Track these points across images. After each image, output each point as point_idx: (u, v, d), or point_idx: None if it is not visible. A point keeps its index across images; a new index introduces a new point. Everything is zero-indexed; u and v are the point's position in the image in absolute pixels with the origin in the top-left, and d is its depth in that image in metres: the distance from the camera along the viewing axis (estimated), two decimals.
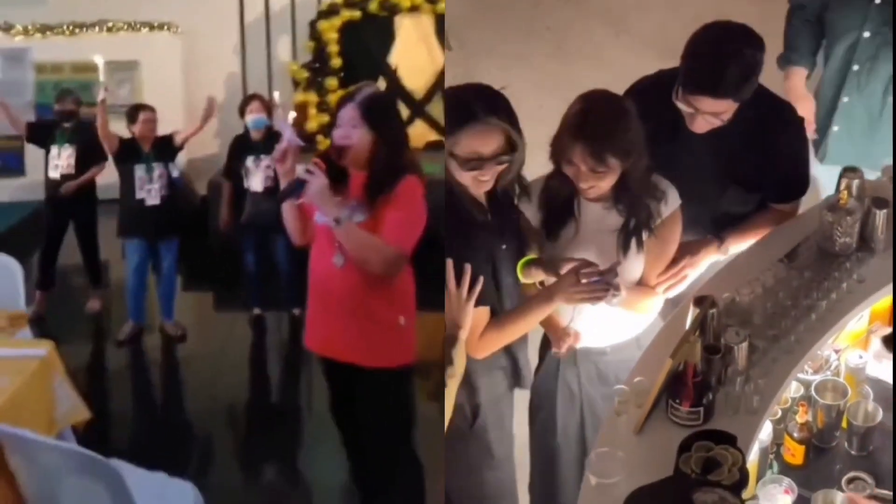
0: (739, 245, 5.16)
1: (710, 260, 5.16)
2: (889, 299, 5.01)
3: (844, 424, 4.91)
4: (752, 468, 4.46)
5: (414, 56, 14.83)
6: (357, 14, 14.65)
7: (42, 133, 10.82)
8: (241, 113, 10.57)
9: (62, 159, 10.64)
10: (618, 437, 4.44)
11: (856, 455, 4.86)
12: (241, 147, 10.33)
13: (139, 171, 10.08)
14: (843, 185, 4.89)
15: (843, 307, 4.73)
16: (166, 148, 10.33)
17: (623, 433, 4.45)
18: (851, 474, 4.72)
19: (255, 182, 10.13)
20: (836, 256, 4.86)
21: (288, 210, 5.69)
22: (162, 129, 10.40)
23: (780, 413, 4.85)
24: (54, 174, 10.62)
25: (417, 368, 7.39)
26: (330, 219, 5.35)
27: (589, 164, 4.70)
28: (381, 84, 14.20)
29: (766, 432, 4.70)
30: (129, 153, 10.11)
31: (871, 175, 5.36)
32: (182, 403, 9.29)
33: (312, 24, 14.75)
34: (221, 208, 10.78)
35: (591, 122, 4.69)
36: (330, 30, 14.58)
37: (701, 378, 4.39)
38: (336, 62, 14.65)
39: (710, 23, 4.92)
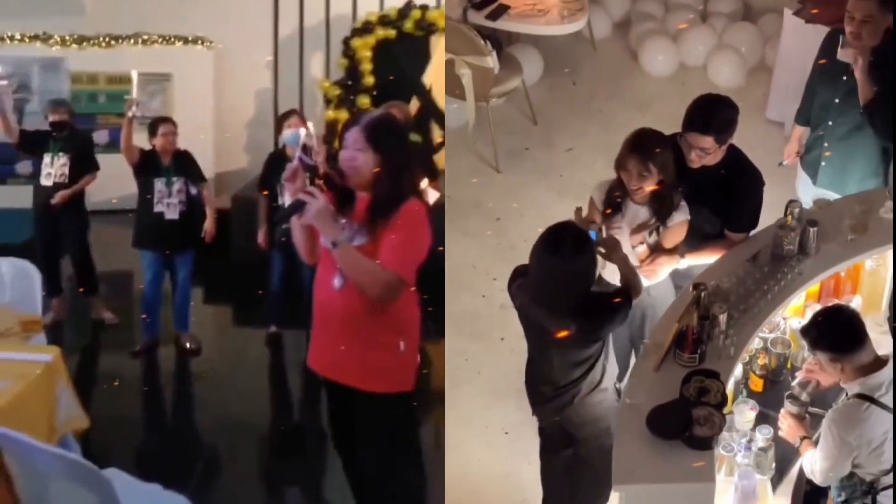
0: (695, 261, 5.35)
1: (671, 266, 5.32)
2: (818, 287, 5.48)
3: (789, 366, 5.34)
4: (729, 394, 4.75)
5: None
6: (392, 33, 11.81)
7: (34, 142, 8.84)
8: (279, 128, 8.47)
9: (55, 168, 8.69)
10: (643, 373, 4.74)
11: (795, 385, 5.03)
12: (277, 163, 7.99)
13: (159, 184, 8.14)
14: (787, 211, 5.22)
15: (788, 290, 5.10)
16: (187, 162, 8.33)
17: (647, 371, 4.74)
18: (796, 391, 4.89)
19: (288, 198, 7.04)
20: (784, 258, 5.22)
21: (297, 229, 4.65)
22: (191, 143, 8.64)
23: (747, 358, 5.19)
24: (47, 182, 8.68)
25: (438, 396, 6.77)
26: (327, 241, 4.37)
27: (638, 168, 5.09)
28: (415, 104, 11.06)
29: (738, 370, 5.05)
30: (149, 166, 8.19)
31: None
32: (192, 416, 7.58)
33: (346, 42, 11.92)
34: (259, 224, 8.39)
35: (642, 141, 5.12)
36: (364, 48, 11.79)
37: (697, 335, 4.74)
38: (369, 80, 11.79)
39: (707, 94, 5.29)
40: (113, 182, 8.77)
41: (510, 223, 7.22)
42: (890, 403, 4.32)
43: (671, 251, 5.31)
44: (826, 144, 5.93)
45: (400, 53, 11.71)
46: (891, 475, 4.43)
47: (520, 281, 4.84)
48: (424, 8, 11.75)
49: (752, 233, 5.43)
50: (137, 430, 7.08)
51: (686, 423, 4.36)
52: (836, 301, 5.54)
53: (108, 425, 6.35)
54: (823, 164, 5.98)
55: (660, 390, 4.61)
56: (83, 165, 8.69)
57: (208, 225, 8.28)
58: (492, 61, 7.50)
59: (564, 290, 4.57)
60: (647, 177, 5.13)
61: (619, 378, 5.30)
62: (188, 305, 8.43)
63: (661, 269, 5.33)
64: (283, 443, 6.95)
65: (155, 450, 6.74)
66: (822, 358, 4.46)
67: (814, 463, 4.53)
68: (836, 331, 4.41)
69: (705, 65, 8.52)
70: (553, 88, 8.47)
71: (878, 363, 4.39)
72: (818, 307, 5.35)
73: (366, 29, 11.72)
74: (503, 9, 7.70)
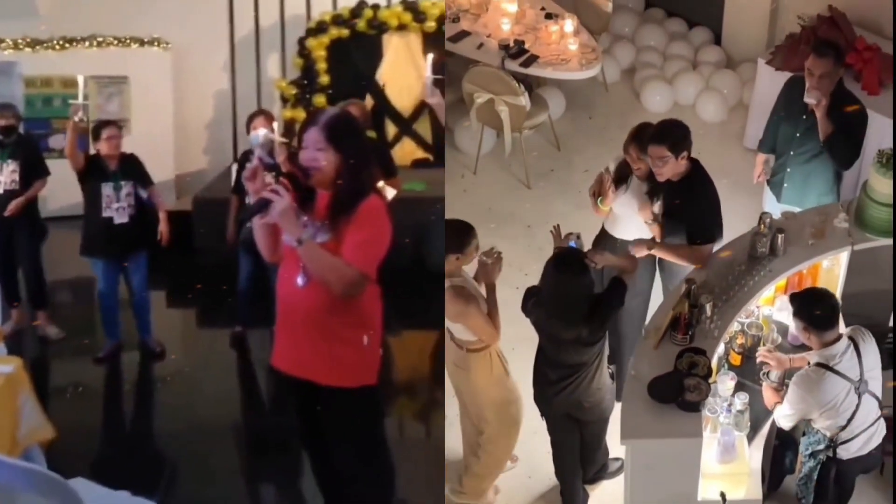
0: (660, 253, 5.34)
1: (645, 251, 5.24)
2: (784, 282, 5.44)
3: (761, 345, 5.29)
4: (714, 367, 4.82)
5: (402, 74, 10.34)
6: (345, 32, 10.19)
7: None
8: (248, 129, 7.08)
9: (5, 175, 7.05)
10: (646, 351, 4.87)
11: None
12: (246, 162, 6.44)
13: (106, 189, 6.74)
14: (760, 221, 5.28)
15: (760, 284, 5.17)
16: (133, 166, 6.92)
17: (648, 349, 4.88)
18: (766, 369, 5.05)
19: (252, 198, 5.20)
20: (757, 259, 5.26)
21: (259, 228, 3.97)
22: (150, 145, 7.42)
23: (728, 338, 5.20)
24: None
25: (404, 388, 6.52)
26: (292, 239, 3.77)
27: (637, 153, 5.22)
28: (369, 101, 9.98)
29: (721, 348, 5.09)
30: (95, 171, 6.78)
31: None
32: (159, 420, 6.47)
33: (301, 42, 10.21)
34: (228, 223, 7.17)
35: (640, 133, 5.22)
36: (319, 47, 10.13)
37: (688, 320, 4.85)
38: (324, 79, 10.15)
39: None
40: (71, 187, 7.10)
41: (538, 229, 7.16)
42: (844, 371, 4.40)
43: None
44: (789, 170, 5.90)
45: (354, 52, 10.32)
46: (846, 430, 4.51)
47: (533, 300, 4.81)
48: (376, 7, 10.30)
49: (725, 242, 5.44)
50: (103, 437, 6.22)
51: (679, 390, 4.51)
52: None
53: (74, 434, 5.50)
54: (786, 185, 5.94)
55: (658, 364, 4.73)
56: (33, 171, 7.21)
57: (162, 227, 7.03)
58: (524, 100, 7.51)
59: (574, 301, 4.54)
60: (644, 159, 5.20)
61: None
62: (148, 309, 7.16)
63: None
64: (252, 442, 6.19)
65: (122, 457, 5.84)
66: (798, 324, 4.51)
67: (781, 412, 4.62)
68: (818, 310, 4.46)
69: (695, 103, 8.50)
70: (573, 122, 8.45)
71: (837, 338, 4.47)
72: (785, 298, 5.38)
73: (320, 29, 10.22)
74: (533, 58, 7.69)
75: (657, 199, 5.36)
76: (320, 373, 3.97)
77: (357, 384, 3.99)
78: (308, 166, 3.86)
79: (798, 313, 4.51)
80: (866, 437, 4.59)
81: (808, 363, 4.58)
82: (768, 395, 4.83)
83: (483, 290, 5.00)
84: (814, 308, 4.47)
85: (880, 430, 4.63)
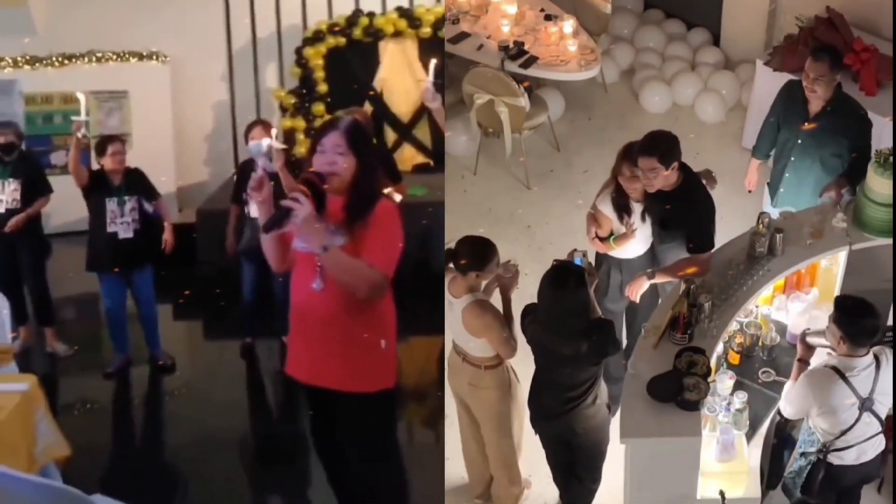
0: (662, 279, 5.25)
1: (646, 284, 5.19)
2: (783, 281, 5.45)
3: (760, 345, 5.33)
4: (713, 366, 4.79)
5: (399, 80, 10.33)
6: (342, 40, 10.12)
7: None
8: (246, 140, 6.88)
9: (6, 193, 6.92)
10: (645, 350, 4.84)
11: (765, 359, 5.28)
12: (246, 172, 6.44)
13: (111, 204, 6.67)
14: (759, 221, 5.27)
15: (759, 284, 5.15)
16: (138, 181, 6.83)
17: (647, 348, 4.84)
18: (763, 369, 5.16)
19: (255, 208, 5.91)
20: (756, 258, 5.25)
21: (268, 237, 3.87)
22: (151, 158, 7.33)
23: (727, 338, 5.20)
24: None
25: (412, 394, 6.43)
26: (317, 246, 3.63)
27: (631, 170, 5.08)
28: (367, 108, 9.90)
29: (719, 348, 5.08)
30: (100, 186, 6.70)
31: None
32: (171, 434, 6.39)
33: (299, 51, 10.11)
34: (228, 233, 7.07)
35: (629, 151, 5.10)
36: (316, 56, 10.04)
37: (687, 320, 4.83)
38: (322, 88, 10.07)
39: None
40: (74, 204, 7.02)
41: (538, 230, 7.21)
42: (856, 385, 4.31)
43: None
44: (787, 175, 5.88)
45: (351, 60, 10.29)
46: (841, 440, 4.44)
47: (530, 317, 4.68)
48: (372, 15, 10.30)
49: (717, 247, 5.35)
50: (114, 452, 6.15)
51: (678, 389, 4.48)
52: (797, 293, 5.56)
53: (86, 450, 5.33)
54: (782, 189, 5.93)
55: (657, 363, 4.71)
56: (35, 189, 7.11)
57: (167, 236, 6.98)
58: (524, 101, 7.50)
59: (572, 316, 4.44)
60: (638, 178, 5.10)
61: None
62: (156, 323, 7.10)
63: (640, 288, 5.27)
64: (266, 453, 6.11)
65: (134, 471, 5.77)
66: (834, 331, 4.35)
67: (786, 396, 4.56)
68: (860, 326, 4.31)
69: (693, 104, 8.51)
70: (573, 123, 8.46)
71: (865, 353, 4.36)
72: (784, 298, 5.47)
73: (317, 38, 10.16)
74: (533, 59, 7.69)
75: (653, 215, 5.33)
76: (339, 378, 3.93)
77: (376, 388, 3.95)
78: (327, 171, 3.81)
79: (839, 322, 4.32)
80: (860, 449, 4.50)
81: (825, 364, 4.46)
82: (801, 347, 4.73)
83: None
84: (857, 322, 4.30)
85: (878, 444, 4.54)
